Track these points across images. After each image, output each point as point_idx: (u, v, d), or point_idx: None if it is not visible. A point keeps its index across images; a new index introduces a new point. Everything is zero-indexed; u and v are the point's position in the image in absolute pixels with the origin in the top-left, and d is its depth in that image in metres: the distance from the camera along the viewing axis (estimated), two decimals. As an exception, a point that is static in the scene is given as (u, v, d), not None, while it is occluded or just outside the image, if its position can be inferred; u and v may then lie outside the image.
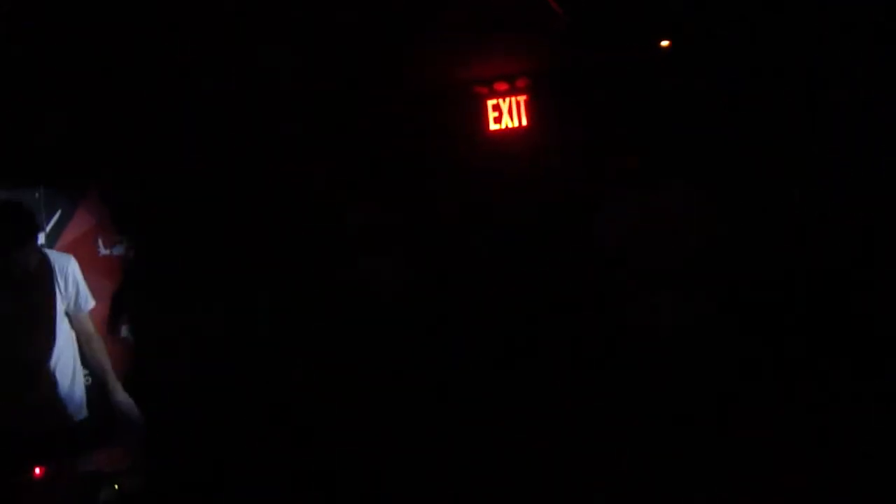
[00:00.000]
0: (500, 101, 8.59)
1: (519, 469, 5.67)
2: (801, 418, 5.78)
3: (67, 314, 5.17)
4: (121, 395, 5.27)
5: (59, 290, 5.16)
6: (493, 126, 8.60)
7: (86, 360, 5.47)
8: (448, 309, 7.63)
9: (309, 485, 5.51)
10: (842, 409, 5.77)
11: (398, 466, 5.71)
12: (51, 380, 5.21)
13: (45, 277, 5.09)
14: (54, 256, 5.29)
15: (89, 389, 5.95)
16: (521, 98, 8.56)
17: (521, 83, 8.54)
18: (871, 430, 5.44)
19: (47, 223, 5.89)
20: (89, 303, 5.27)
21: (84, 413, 5.57)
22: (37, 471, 5.07)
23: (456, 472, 5.71)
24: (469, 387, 6.87)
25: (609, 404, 5.88)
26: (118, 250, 6.31)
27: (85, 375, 5.96)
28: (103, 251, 6.22)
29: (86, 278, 6.04)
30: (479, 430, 6.24)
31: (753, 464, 5.31)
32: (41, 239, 5.82)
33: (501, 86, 8.57)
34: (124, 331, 6.28)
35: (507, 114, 8.58)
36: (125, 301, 6.31)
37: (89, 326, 5.28)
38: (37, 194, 5.81)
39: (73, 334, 5.23)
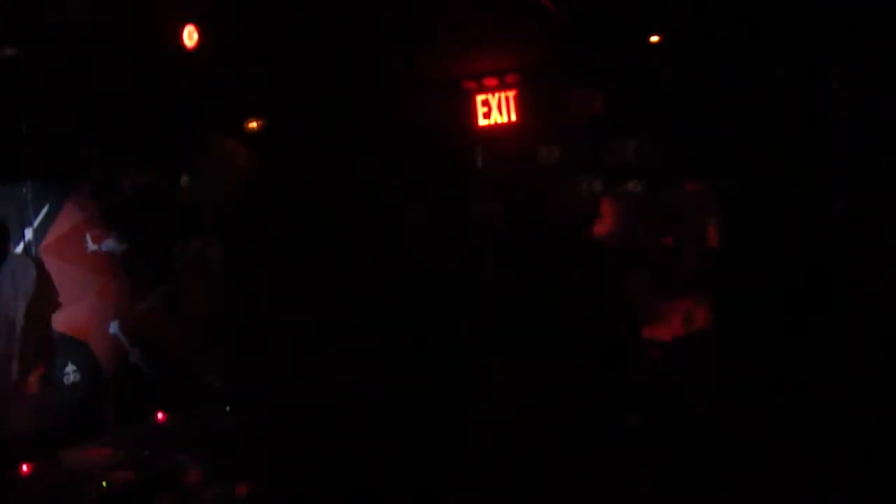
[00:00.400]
0: (490, 96, 8.55)
1: (517, 469, 5.66)
2: (801, 418, 5.78)
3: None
4: None
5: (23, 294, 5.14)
6: (482, 121, 8.57)
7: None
8: (443, 307, 7.59)
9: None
10: (842, 409, 5.78)
11: (396, 466, 5.69)
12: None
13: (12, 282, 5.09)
14: (15, 260, 5.29)
15: (75, 388, 5.93)
16: (511, 93, 8.52)
17: (510, 79, 8.50)
18: (872, 430, 5.45)
19: (35, 218, 5.82)
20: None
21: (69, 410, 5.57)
22: (24, 468, 5.04)
23: (455, 472, 5.70)
24: (465, 386, 6.84)
25: (608, 404, 5.85)
26: (107, 247, 6.24)
27: (73, 372, 5.94)
28: (92, 247, 6.15)
29: (74, 274, 6.03)
30: (477, 431, 6.23)
31: (753, 464, 5.31)
32: (29, 234, 5.78)
33: (491, 81, 8.53)
34: (113, 327, 6.23)
35: (496, 109, 8.55)
36: (114, 298, 6.27)
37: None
38: (24, 189, 5.74)
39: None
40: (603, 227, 5.73)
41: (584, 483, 5.36)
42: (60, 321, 5.90)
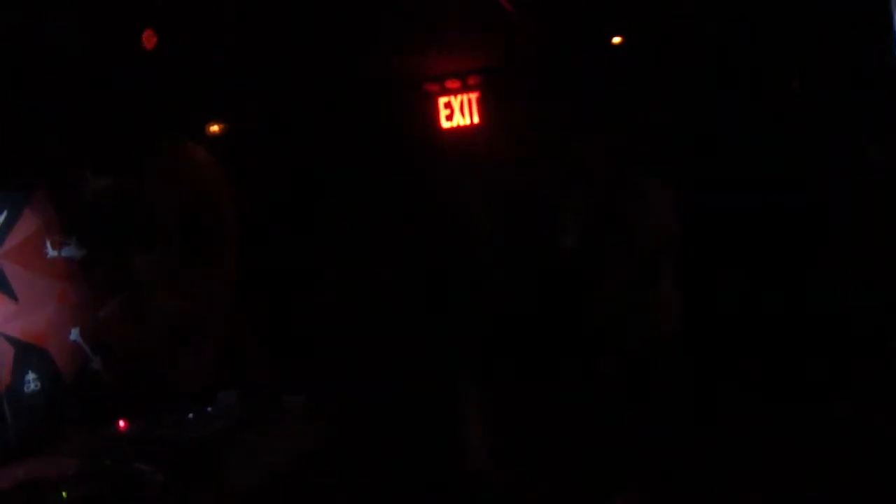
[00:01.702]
0: (452, 98, 8.54)
1: (513, 468, 5.68)
2: (799, 417, 5.81)
3: None
4: None
5: None
6: (445, 124, 8.55)
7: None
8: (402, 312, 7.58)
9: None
10: (841, 408, 5.81)
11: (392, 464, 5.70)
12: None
13: None
14: None
15: (35, 396, 5.90)
16: (473, 95, 8.52)
17: (472, 80, 8.50)
18: (872, 429, 5.50)
19: (-7, 226, 5.79)
20: None
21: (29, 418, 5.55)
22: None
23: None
24: (425, 394, 6.84)
25: (600, 405, 5.82)
26: (67, 252, 6.21)
27: (33, 380, 5.90)
28: (52, 253, 6.11)
29: (33, 281, 5.99)
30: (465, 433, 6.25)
31: (753, 464, 5.34)
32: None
33: (453, 83, 8.52)
34: (74, 334, 6.20)
35: (458, 111, 8.54)
36: (75, 304, 6.24)
37: None
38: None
39: None
40: (568, 231, 5.69)
41: (581, 483, 5.38)
42: (20, 328, 5.88)
